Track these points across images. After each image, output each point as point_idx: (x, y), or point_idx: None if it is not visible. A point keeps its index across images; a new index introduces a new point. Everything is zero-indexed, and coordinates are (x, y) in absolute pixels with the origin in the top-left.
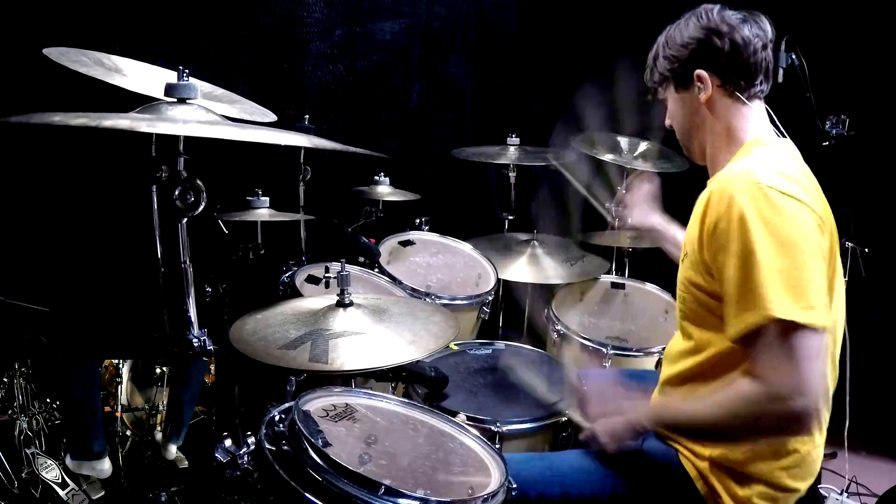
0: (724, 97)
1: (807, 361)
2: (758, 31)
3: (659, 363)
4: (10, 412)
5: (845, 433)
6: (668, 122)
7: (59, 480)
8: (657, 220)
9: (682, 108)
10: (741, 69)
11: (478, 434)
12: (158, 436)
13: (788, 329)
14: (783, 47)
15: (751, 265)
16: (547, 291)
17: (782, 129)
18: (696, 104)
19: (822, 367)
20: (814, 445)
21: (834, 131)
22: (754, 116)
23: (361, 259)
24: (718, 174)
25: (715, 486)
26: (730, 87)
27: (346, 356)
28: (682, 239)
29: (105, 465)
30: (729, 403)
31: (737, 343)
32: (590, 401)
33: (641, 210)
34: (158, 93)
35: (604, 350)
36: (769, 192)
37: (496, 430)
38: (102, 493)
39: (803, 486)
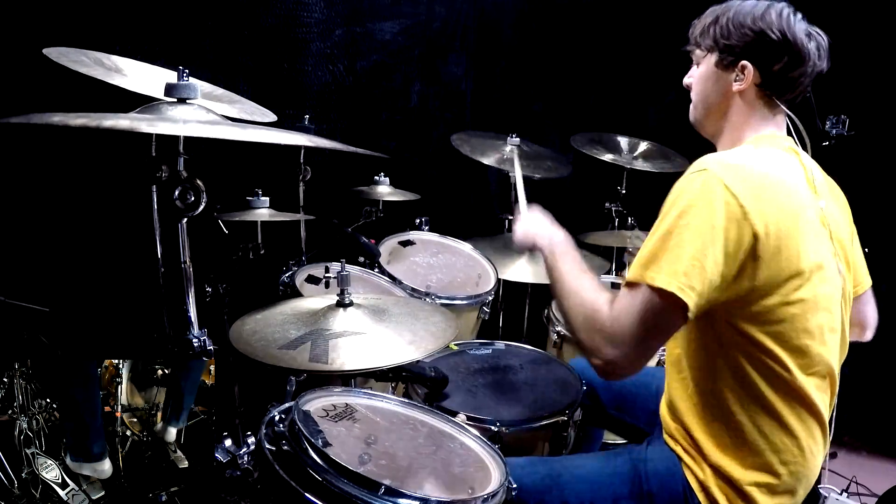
0: (756, 97)
1: (643, 322)
2: (817, 56)
3: (660, 363)
4: (10, 412)
5: (845, 433)
6: (688, 81)
7: (59, 480)
8: None
9: (713, 83)
10: (785, 82)
11: (478, 434)
12: (158, 425)
13: (655, 294)
14: None
15: (654, 234)
16: (547, 291)
17: (804, 137)
18: (728, 89)
19: (655, 336)
20: (812, 456)
21: (834, 131)
22: (773, 123)
23: (361, 259)
24: None
25: (716, 497)
26: (767, 91)
27: (346, 356)
28: None
29: (105, 466)
30: (585, 308)
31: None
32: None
33: None
34: (158, 93)
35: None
36: (708, 178)
37: (496, 430)
38: (102, 493)
39: (802, 494)
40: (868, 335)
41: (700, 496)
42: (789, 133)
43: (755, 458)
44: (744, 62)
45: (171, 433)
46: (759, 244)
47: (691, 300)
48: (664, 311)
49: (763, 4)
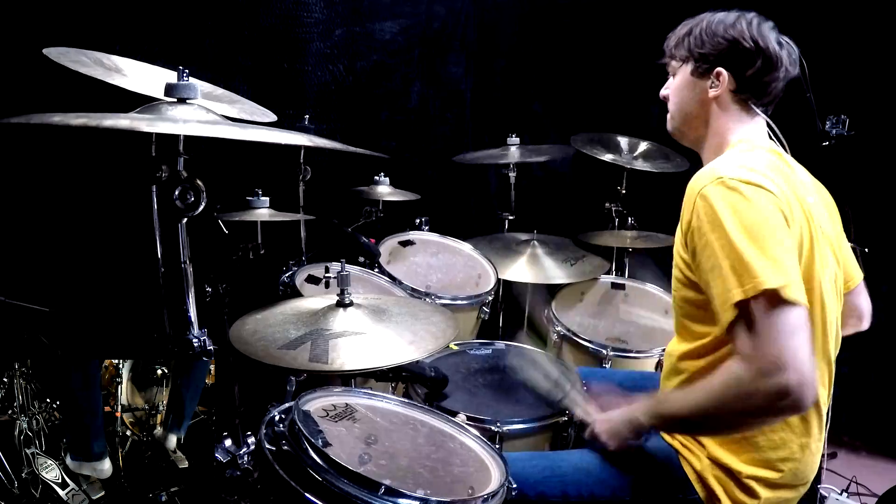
0: (732, 102)
1: (790, 335)
2: (788, 62)
3: (658, 365)
4: (10, 412)
5: (845, 433)
6: (665, 92)
7: (59, 480)
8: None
9: (689, 92)
10: (759, 87)
11: (478, 434)
12: (159, 430)
13: (770, 303)
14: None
15: (729, 250)
16: (547, 291)
17: (783, 141)
18: (705, 96)
19: (806, 342)
20: (811, 452)
21: (834, 131)
22: (753, 127)
23: (361, 259)
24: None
25: (714, 488)
26: (742, 96)
27: (346, 356)
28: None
29: (105, 466)
30: (719, 386)
31: (728, 330)
32: (592, 398)
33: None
34: (158, 93)
35: (603, 352)
36: (731, 183)
37: (496, 430)
38: (102, 493)
39: (802, 489)
40: (865, 324)
41: (697, 487)
42: (771, 137)
43: (754, 454)
44: (719, 69)
45: (172, 441)
46: (799, 230)
47: (794, 292)
48: (787, 304)
49: (734, 15)
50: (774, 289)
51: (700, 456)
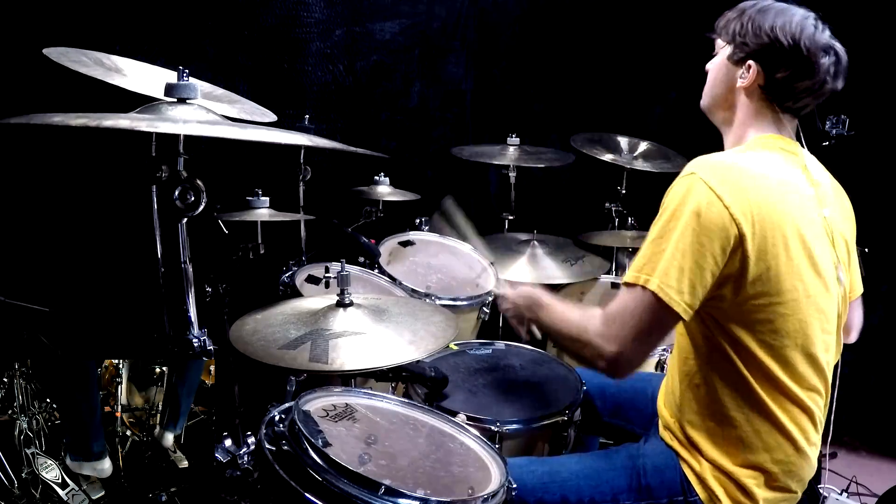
0: (759, 98)
1: (637, 327)
2: (830, 74)
3: (658, 365)
4: (10, 412)
5: (845, 433)
6: (707, 66)
7: (59, 480)
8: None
9: (722, 74)
10: (787, 91)
11: (478, 434)
12: (156, 430)
13: (644, 297)
14: None
15: (648, 238)
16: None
17: (802, 145)
18: (734, 84)
19: (650, 334)
20: (807, 455)
21: (834, 131)
22: (776, 124)
23: (361, 259)
24: None
25: (714, 489)
26: (769, 95)
27: (346, 356)
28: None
29: (105, 465)
30: (575, 324)
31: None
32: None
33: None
34: (158, 93)
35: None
36: (694, 182)
37: (496, 430)
38: (102, 493)
39: (799, 490)
40: (852, 338)
41: (698, 489)
42: (798, 139)
43: (749, 456)
44: (750, 62)
45: (169, 439)
46: (745, 243)
47: (680, 305)
48: (657, 311)
49: (790, 10)
50: (654, 292)
51: (699, 458)
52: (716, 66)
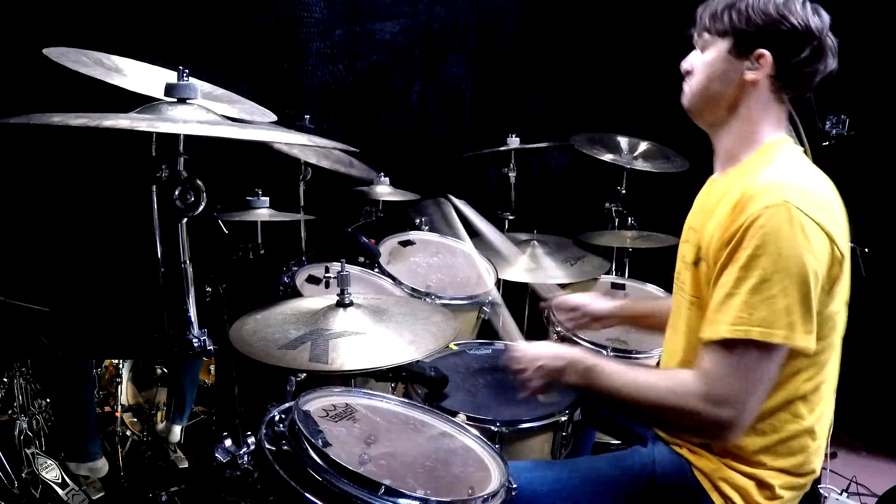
0: (768, 89)
1: (757, 381)
2: (833, 56)
3: (658, 365)
4: (10, 412)
5: (845, 433)
6: (686, 65)
7: (59, 480)
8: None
9: (722, 71)
10: (799, 77)
11: (478, 434)
12: (161, 425)
13: (757, 349)
14: None
15: (756, 286)
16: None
17: (803, 139)
18: (741, 78)
19: (764, 391)
20: (819, 446)
21: (834, 131)
22: (780, 119)
23: (361, 259)
24: (748, 180)
25: (729, 494)
26: (779, 84)
27: (346, 356)
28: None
29: (100, 464)
30: (665, 390)
31: (703, 344)
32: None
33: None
34: (158, 93)
35: (603, 352)
36: (795, 213)
37: (496, 430)
38: (102, 493)
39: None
40: None
41: (713, 495)
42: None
43: (778, 455)
44: (761, 50)
45: (176, 432)
46: (843, 266)
47: (810, 342)
48: (776, 359)
49: None
50: (772, 343)
51: (712, 460)
52: (709, 63)
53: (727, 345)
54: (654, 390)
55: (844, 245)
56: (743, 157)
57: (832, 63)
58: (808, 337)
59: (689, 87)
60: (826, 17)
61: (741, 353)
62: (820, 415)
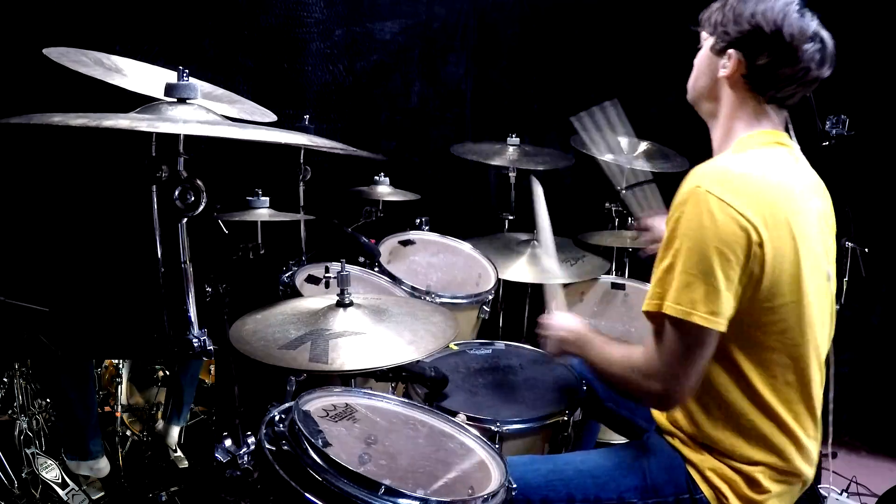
0: (743, 88)
1: (684, 356)
2: (815, 61)
3: None
4: (10, 412)
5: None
6: (697, 62)
7: (59, 480)
8: None
9: (706, 66)
10: (770, 79)
11: (478, 434)
12: (160, 425)
13: (677, 323)
14: None
15: (662, 261)
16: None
17: (790, 132)
18: (717, 74)
19: (694, 365)
20: (805, 447)
21: (834, 131)
22: (763, 116)
23: (361, 259)
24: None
25: (719, 486)
26: (749, 84)
27: (346, 356)
28: None
29: (102, 464)
30: (618, 363)
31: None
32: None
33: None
34: (158, 93)
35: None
36: (703, 197)
37: (496, 430)
38: (102, 493)
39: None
40: None
41: (703, 487)
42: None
43: (755, 451)
44: (731, 51)
45: (174, 433)
46: (764, 250)
47: (717, 325)
48: (694, 335)
49: None
50: (679, 318)
51: (703, 453)
52: (700, 58)
53: (651, 318)
54: (614, 363)
55: (776, 229)
56: (724, 150)
57: (817, 70)
58: (712, 318)
59: (690, 80)
60: (811, 24)
61: (661, 328)
62: (798, 414)
